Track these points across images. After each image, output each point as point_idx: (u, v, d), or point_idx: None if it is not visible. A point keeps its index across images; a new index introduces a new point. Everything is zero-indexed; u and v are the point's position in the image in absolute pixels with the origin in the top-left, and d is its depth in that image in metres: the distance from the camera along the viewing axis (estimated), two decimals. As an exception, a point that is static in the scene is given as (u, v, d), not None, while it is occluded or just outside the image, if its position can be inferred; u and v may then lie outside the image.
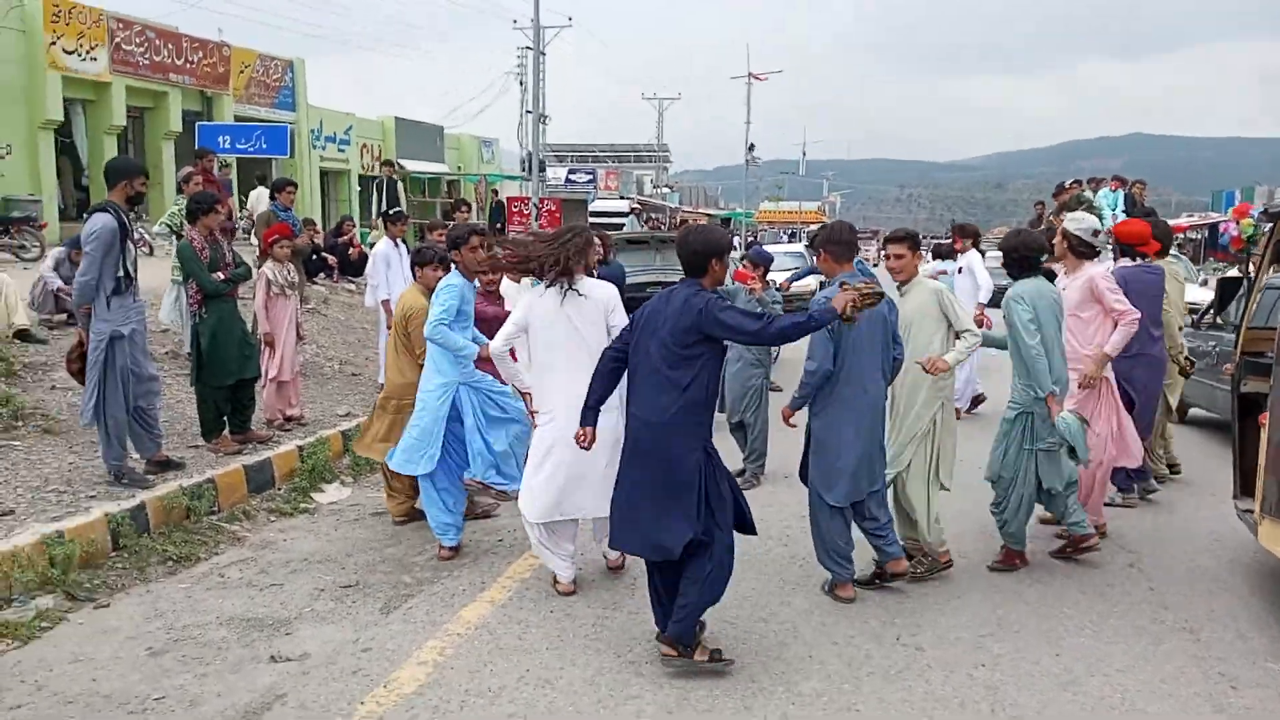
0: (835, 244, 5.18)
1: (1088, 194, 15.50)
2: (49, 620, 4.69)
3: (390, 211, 11.38)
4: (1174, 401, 7.31)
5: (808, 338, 4.65)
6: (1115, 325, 5.76)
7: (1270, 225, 5.83)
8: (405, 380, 6.07)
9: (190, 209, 7.54)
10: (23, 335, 8.62)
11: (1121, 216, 13.00)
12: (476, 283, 5.97)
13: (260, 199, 13.76)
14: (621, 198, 38.93)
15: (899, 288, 5.51)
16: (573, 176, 41.46)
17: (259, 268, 8.17)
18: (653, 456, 4.15)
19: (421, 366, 5.86)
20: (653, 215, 31.66)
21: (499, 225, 21.37)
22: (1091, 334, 5.85)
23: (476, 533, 6.19)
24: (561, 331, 5.00)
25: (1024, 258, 5.47)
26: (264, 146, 17.38)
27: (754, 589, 5.19)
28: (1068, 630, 4.71)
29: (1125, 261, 6.62)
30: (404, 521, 6.39)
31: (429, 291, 5.89)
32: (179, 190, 10.30)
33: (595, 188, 40.11)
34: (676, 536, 4.10)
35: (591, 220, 31.54)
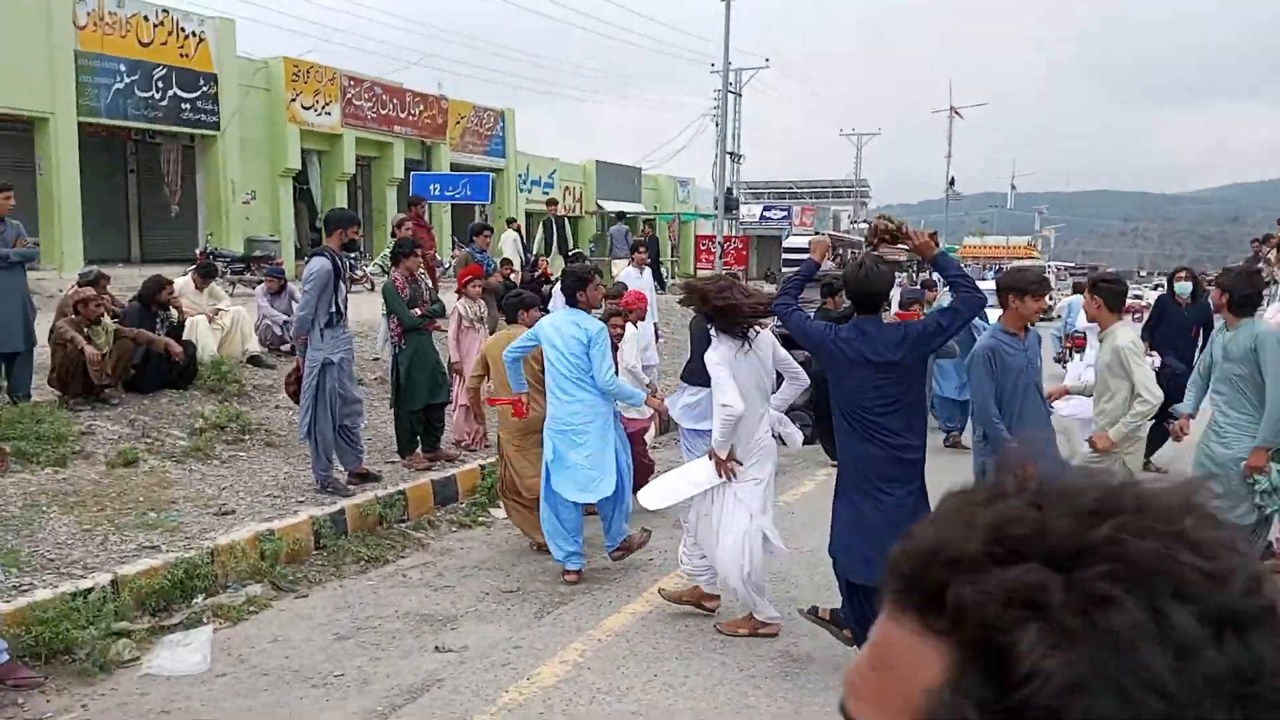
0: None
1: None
2: (256, 605, 5.49)
3: (571, 253, 12.17)
4: None
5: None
6: None
7: None
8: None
9: (394, 252, 8.47)
10: (254, 361, 9.84)
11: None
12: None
13: (507, 240, 14.82)
14: (816, 233, 38.94)
15: (1099, 334, 5.45)
16: (768, 213, 41.80)
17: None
18: None
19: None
20: (841, 251, 31.55)
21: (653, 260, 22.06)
22: None
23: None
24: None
25: (1244, 296, 5.50)
26: (468, 193, 18.61)
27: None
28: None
29: None
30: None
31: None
32: (392, 234, 11.42)
33: (790, 224, 40.29)
34: None
35: (785, 257, 31.80)
